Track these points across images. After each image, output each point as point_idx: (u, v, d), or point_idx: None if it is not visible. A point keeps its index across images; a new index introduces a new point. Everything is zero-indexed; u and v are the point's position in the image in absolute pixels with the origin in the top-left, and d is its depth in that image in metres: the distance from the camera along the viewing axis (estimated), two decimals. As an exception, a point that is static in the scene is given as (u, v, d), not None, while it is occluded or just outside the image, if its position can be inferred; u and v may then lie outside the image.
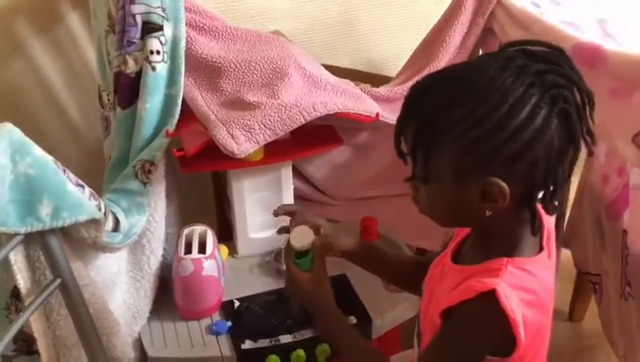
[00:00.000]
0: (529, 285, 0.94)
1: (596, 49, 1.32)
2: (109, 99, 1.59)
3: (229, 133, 1.36)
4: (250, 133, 1.37)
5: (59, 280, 1.12)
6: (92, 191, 1.16)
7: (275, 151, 1.51)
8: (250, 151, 1.38)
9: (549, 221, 1.03)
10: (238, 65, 1.44)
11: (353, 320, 1.47)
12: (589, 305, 2.07)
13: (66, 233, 1.14)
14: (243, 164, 1.49)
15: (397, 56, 1.95)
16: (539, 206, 0.96)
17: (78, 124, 1.95)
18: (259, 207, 1.63)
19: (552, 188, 0.92)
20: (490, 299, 0.90)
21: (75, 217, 1.08)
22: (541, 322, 0.97)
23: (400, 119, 0.97)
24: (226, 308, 1.51)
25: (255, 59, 1.45)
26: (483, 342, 0.95)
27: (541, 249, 0.99)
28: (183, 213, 1.68)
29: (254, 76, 1.45)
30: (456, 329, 0.96)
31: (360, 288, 1.57)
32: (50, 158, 1.06)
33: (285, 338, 1.43)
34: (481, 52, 1.72)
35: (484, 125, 0.87)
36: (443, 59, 1.61)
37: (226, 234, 1.74)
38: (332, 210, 1.84)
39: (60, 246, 1.11)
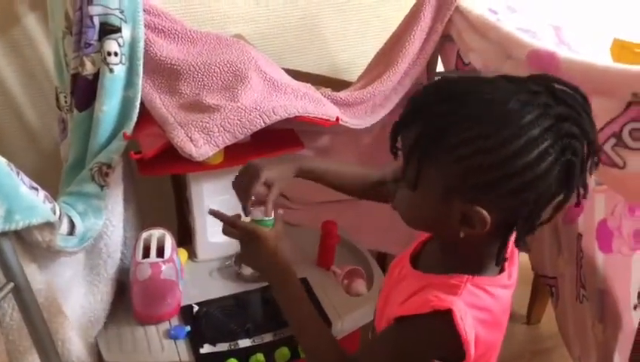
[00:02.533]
0: (486, 304, 0.95)
1: (551, 55, 1.35)
2: (66, 101, 1.57)
3: (187, 135, 1.35)
4: (209, 135, 1.36)
5: (12, 284, 1.10)
6: (47, 194, 1.14)
7: (235, 155, 1.50)
8: (209, 155, 1.37)
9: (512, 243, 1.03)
10: (197, 68, 1.43)
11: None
12: (546, 307, 2.10)
13: (20, 236, 1.12)
14: (202, 167, 1.48)
15: (358, 61, 1.96)
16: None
17: (35, 126, 1.91)
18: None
19: (529, 226, 0.91)
20: (445, 318, 0.89)
21: (28, 220, 1.06)
22: (494, 339, 0.99)
23: (403, 117, 0.91)
24: (185, 312, 1.50)
25: (215, 62, 1.44)
26: (430, 355, 0.95)
27: (502, 270, 1.00)
28: (143, 217, 1.67)
29: (214, 79, 1.44)
30: (406, 338, 0.96)
31: (320, 292, 1.57)
32: (2, 160, 1.04)
33: (244, 343, 1.43)
34: (439, 58, 1.75)
35: (491, 156, 0.84)
36: (402, 65, 1.63)
37: (187, 237, 1.73)
38: (293, 214, 1.83)
39: (12, 249, 1.08)
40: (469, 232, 0.91)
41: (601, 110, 1.22)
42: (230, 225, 1.21)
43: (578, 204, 0.91)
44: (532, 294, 2.13)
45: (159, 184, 1.88)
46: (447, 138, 0.86)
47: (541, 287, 2.06)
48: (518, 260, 1.07)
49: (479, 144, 0.85)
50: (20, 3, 1.75)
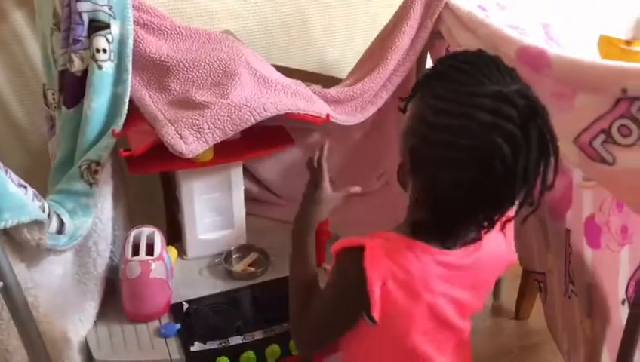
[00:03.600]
0: (409, 267, 1.00)
1: (540, 52, 1.35)
2: (54, 98, 1.56)
3: (177, 132, 1.34)
4: (199, 132, 1.35)
5: (0, 284, 1.09)
6: (35, 192, 1.14)
7: (225, 152, 1.50)
8: (199, 152, 1.37)
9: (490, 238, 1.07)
10: (187, 65, 1.43)
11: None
12: (535, 303, 2.12)
13: (8, 235, 1.11)
14: (192, 164, 1.47)
15: (347, 58, 1.97)
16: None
17: (22, 123, 1.90)
18: (208, 208, 1.62)
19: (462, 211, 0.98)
20: (356, 253, 0.99)
21: (17, 219, 1.05)
22: (409, 308, 1.02)
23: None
24: (175, 310, 1.50)
25: (204, 59, 1.44)
26: (343, 291, 1.05)
27: (450, 248, 1.04)
28: (132, 215, 1.66)
29: (204, 76, 1.43)
30: (335, 269, 1.08)
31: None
32: (-10, 159, 1.03)
33: (235, 340, 1.42)
34: (429, 54, 1.75)
35: (427, 120, 0.96)
36: (392, 62, 1.63)
37: (176, 235, 1.72)
38: (283, 211, 1.84)
39: (1, 248, 1.07)
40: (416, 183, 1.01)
41: (590, 106, 1.22)
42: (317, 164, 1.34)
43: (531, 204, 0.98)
44: (520, 289, 2.13)
45: (147, 182, 1.87)
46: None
47: (530, 283, 2.06)
48: (495, 247, 1.11)
49: (433, 105, 0.96)
50: (6, 0, 1.74)
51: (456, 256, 1.05)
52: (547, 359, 2.02)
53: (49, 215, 1.17)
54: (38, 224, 1.12)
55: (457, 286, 1.07)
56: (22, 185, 1.09)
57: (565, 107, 1.34)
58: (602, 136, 1.23)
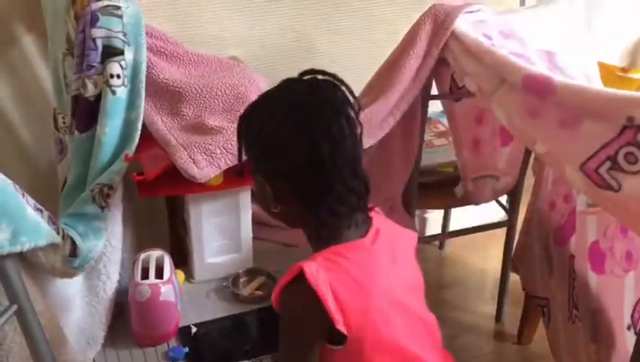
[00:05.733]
0: (343, 266, 1.06)
1: (546, 80, 1.37)
2: (64, 122, 1.57)
3: (190, 157, 1.36)
4: (212, 157, 1.37)
5: (15, 307, 1.09)
6: (50, 215, 1.15)
7: (234, 176, 1.51)
8: (212, 176, 1.38)
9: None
10: (199, 90, 1.45)
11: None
12: (538, 328, 2.12)
13: (24, 258, 1.11)
14: (202, 188, 1.48)
15: (352, 85, 1.97)
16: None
17: (31, 147, 1.91)
18: (216, 232, 1.63)
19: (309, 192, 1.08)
20: (299, 279, 1.03)
21: (34, 242, 1.06)
22: (363, 302, 1.06)
23: None
24: (183, 333, 1.50)
25: (216, 85, 1.46)
26: (302, 320, 1.06)
27: (363, 236, 1.12)
28: (138, 239, 1.67)
29: (216, 101, 1.46)
30: (282, 315, 1.08)
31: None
32: (9, 182, 1.04)
33: (243, 364, 1.43)
34: (434, 82, 1.77)
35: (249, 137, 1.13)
36: (399, 88, 1.65)
37: (182, 259, 1.73)
38: (290, 234, 1.84)
39: (16, 271, 1.08)
40: (283, 206, 1.12)
41: (597, 133, 1.24)
42: None
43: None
44: (523, 315, 2.14)
45: (152, 206, 1.88)
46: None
47: (532, 308, 2.07)
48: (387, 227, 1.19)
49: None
50: (17, 24, 1.76)
51: (368, 241, 1.13)
52: (550, 384, 2.02)
53: (63, 238, 1.17)
54: (53, 247, 1.13)
55: (387, 268, 1.13)
56: (38, 209, 1.10)
57: (571, 134, 1.36)
58: (608, 163, 1.24)
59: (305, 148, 1.05)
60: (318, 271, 1.03)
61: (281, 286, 1.08)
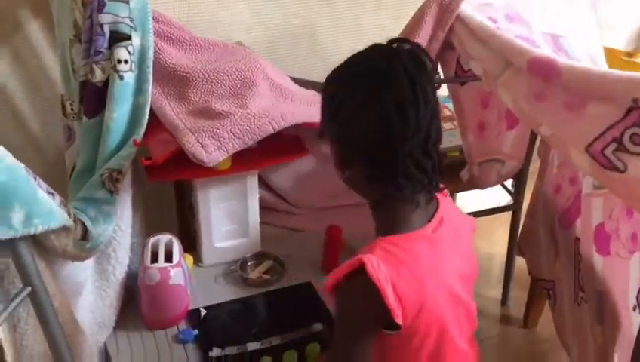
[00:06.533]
0: (400, 258, 1.05)
1: (551, 62, 1.37)
2: (72, 109, 1.58)
3: (198, 141, 1.37)
4: (220, 141, 1.38)
5: (29, 289, 1.10)
6: (62, 199, 1.16)
7: (241, 161, 1.53)
8: (220, 160, 1.39)
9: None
10: (206, 75, 1.46)
11: (320, 326, 1.49)
12: (543, 311, 2.13)
13: (36, 241, 1.13)
14: (210, 173, 1.49)
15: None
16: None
17: (38, 134, 1.93)
18: (224, 216, 1.64)
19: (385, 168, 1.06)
20: (359, 272, 1.02)
21: (47, 225, 1.07)
22: (420, 295, 1.05)
23: None
24: (192, 316, 1.52)
25: (223, 70, 1.47)
26: (361, 311, 1.06)
27: (427, 222, 1.11)
28: (146, 224, 1.68)
29: (223, 86, 1.46)
30: (339, 304, 1.08)
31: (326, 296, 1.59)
32: (20, 165, 1.06)
33: (253, 346, 1.44)
34: (439, 65, 1.78)
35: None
36: (404, 72, 1.65)
37: (189, 244, 1.74)
38: (295, 220, 1.86)
39: (30, 254, 1.09)
40: (349, 171, 1.11)
41: (602, 115, 1.25)
42: None
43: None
44: (529, 298, 2.15)
45: (159, 191, 1.89)
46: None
47: (538, 291, 2.08)
48: (453, 217, 1.20)
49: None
50: (23, 11, 1.76)
51: (430, 229, 1.11)
52: (555, 367, 2.04)
53: (74, 221, 1.19)
54: (65, 230, 1.14)
55: (445, 257, 1.13)
56: (50, 193, 1.11)
57: (576, 116, 1.36)
58: (614, 145, 1.25)
59: (375, 118, 1.03)
60: (378, 264, 1.02)
61: (339, 275, 1.06)
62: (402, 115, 1.02)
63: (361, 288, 1.02)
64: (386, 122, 1.02)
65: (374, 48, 1.09)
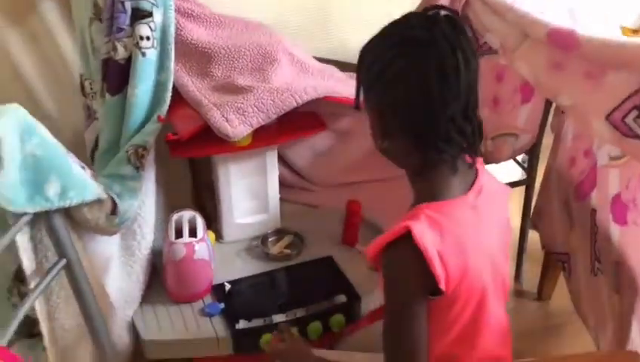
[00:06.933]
0: (444, 226, 1.05)
1: (570, 33, 1.38)
2: (91, 88, 1.59)
3: (223, 116, 1.38)
4: (244, 116, 1.39)
5: (64, 261, 1.12)
6: (93, 173, 1.17)
7: (262, 136, 1.54)
8: (244, 135, 1.41)
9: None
10: (227, 51, 1.47)
11: (343, 298, 1.50)
12: (557, 284, 2.15)
13: (69, 214, 1.14)
14: (232, 148, 1.51)
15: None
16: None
17: (53, 115, 1.91)
18: (245, 192, 1.66)
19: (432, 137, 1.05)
20: (406, 238, 1.02)
21: (82, 197, 1.09)
22: (464, 262, 1.06)
23: None
24: (217, 290, 1.54)
25: (244, 45, 1.47)
26: (407, 278, 1.06)
27: (467, 189, 1.11)
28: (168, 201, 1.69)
29: (244, 61, 1.47)
30: (386, 271, 1.08)
31: (346, 269, 1.61)
32: (54, 140, 1.07)
33: (278, 318, 1.46)
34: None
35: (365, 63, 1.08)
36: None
37: (207, 221, 1.75)
38: (313, 196, 1.88)
39: (64, 226, 1.11)
40: (389, 141, 1.09)
41: (622, 84, 1.26)
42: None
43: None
44: (542, 271, 2.17)
45: (175, 169, 1.89)
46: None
47: (552, 264, 2.10)
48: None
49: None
50: (38, -8, 1.76)
51: (472, 197, 1.12)
52: (570, 339, 2.04)
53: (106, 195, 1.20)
54: (98, 203, 1.16)
55: (487, 226, 1.13)
56: (82, 166, 1.13)
57: (596, 86, 1.37)
58: (635, 112, 1.26)
59: (416, 85, 1.02)
60: (424, 231, 1.02)
61: (384, 242, 1.06)
62: (444, 81, 1.02)
63: (407, 254, 1.03)
64: (428, 89, 1.02)
65: (411, 16, 1.08)
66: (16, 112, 1.01)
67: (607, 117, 1.31)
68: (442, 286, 1.03)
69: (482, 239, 1.11)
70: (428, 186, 1.11)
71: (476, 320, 1.13)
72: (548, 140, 2.04)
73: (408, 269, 1.05)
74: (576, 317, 1.89)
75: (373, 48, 1.08)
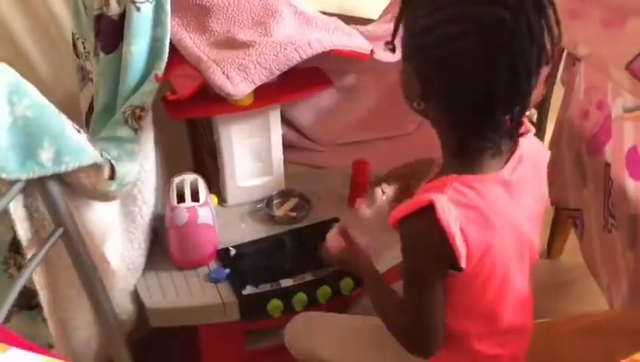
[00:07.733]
0: (472, 201, 0.99)
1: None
2: (84, 47, 1.52)
3: (223, 73, 1.31)
4: (246, 72, 1.32)
5: (61, 230, 1.07)
6: (89, 137, 1.11)
7: (263, 95, 1.46)
8: (247, 92, 1.34)
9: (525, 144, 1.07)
10: (226, 4, 1.39)
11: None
12: (567, 241, 2.12)
13: (65, 180, 1.09)
14: (233, 108, 1.44)
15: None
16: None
17: (46, 78, 1.85)
18: (248, 154, 1.59)
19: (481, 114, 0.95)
20: (427, 212, 0.97)
21: (77, 162, 1.03)
22: (487, 240, 1.01)
23: None
24: (222, 255, 1.49)
25: (244, -3, 1.40)
26: (426, 253, 1.02)
27: (504, 165, 1.03)
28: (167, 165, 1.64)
29: (244, 14, 1.40)
30: (405, 242, 1.03)
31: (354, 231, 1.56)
32: (47, 102, 1.01)
33: (286, 282, 1.42)
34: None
35: (415, 27, 0.97)
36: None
37: (208, 184, 1.70)
38: (318, 156, 1.83)
39: (60, 193, 1.06)
40: (426, 105, 1.00)
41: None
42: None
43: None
44: (552, 228, 2.13)
45: (172, 134, 1.84)
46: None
47: (561, 221, 2.06)
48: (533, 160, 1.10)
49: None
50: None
51: (508, 172, 1.04)
52: (581, 296, 2.02)
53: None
54: (95, 168, 1.10)
55: (520, 199, 1.06)
56: (77, 129, 1.07)
57: (616, 34, 1.32)
58: (656, 60, 1.21)
59: (481, 74, 0.92)
60: (448, 206, 0.96)
61: (406, 212, 1.01)
62: (515, 81, 0.91)
63: (427, 228, 0.97)
64: (494, 86, 0.92)
65: None
66: (4, 72, 0.95)
67: (628, 65, 1.26)
68: (462, 263, 0.98)
69: (512, 215, 1.05)
70: (463, 163, 1.02)
71: (499, 295, 1.08)
72: (557, 95, 1.98)
73: (428, 243, 1.00)
74: (587, 274, 1.85)
75: (441, 10, 0.93)
